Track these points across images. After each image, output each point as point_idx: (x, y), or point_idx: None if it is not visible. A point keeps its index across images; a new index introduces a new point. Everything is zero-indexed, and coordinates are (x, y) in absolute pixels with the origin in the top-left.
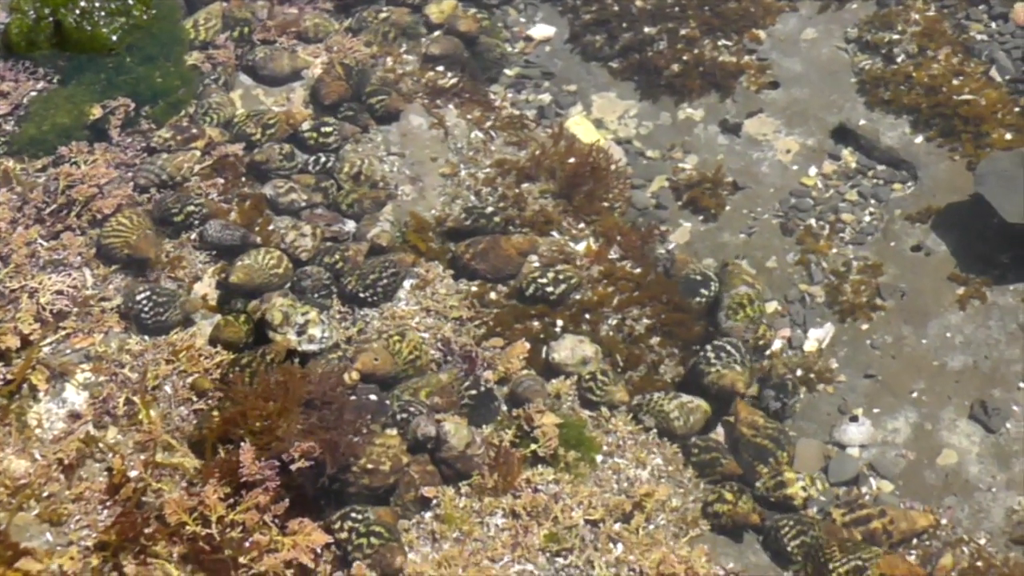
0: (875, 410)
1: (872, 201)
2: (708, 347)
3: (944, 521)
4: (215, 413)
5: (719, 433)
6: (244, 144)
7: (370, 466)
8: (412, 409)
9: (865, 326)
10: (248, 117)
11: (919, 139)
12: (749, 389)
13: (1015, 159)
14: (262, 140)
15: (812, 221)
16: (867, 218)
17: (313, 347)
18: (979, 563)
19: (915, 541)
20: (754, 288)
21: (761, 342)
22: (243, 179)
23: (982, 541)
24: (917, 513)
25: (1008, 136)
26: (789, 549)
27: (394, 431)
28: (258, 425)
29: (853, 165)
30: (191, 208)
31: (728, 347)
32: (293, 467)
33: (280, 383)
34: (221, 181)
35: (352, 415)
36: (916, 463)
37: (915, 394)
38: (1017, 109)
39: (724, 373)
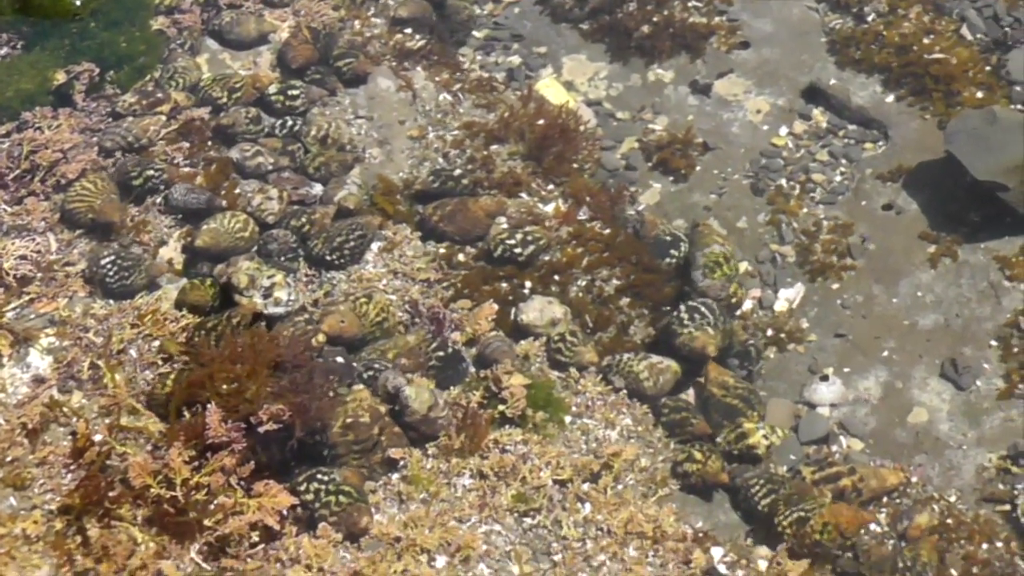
0: (845, 369)
1: (843, 161)
2: (682, 307)
3: (915, 479)
4: (179, 376)
5: (689, 393)
6: (210, 108)
7: (350, 420)
8: (377, 366)
9: (836, 285)
10: (214, 81)
11: (890, 98)
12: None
13: (985, 117)
14: (228, 104)
15: (783, 181)
16: (838, 178)
17: (279, 310)
18: (949, 520)
19: (885, 499)
20: (726, 247)
21: (734, 300)
22: (209, 143)
23: (952, 499)
24: (887, 470)
25: (979, 94)
26: (760, 508)
27: (361, 387)
28: (225, 388)
29: (824, 125)
30: (150, 172)
31: (702, 308)
32: (261, 430)
33: (248, 346)
34: (187, 145)
35: (321, 378)
36: (886, 421)
37: (886, 353)
38: (988, 67)
39: (696, 335)
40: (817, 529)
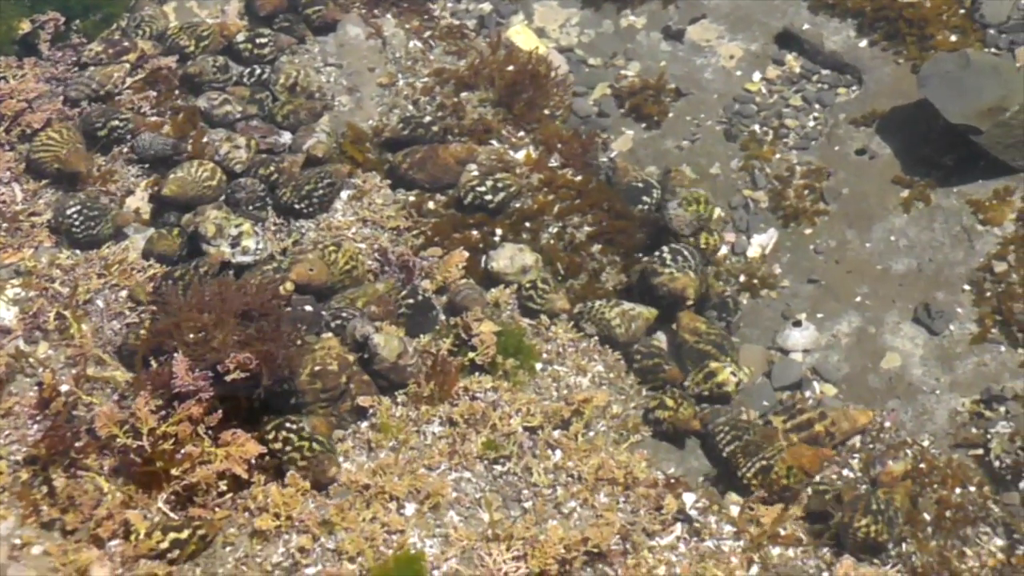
0: (819, 315)
1: (816, 106)
2: (665, 248)
3: (887, 424)
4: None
5: (662, 340)
6: (177, 57)
7: (318, 368)
8: (345, 314)
9: (809, 231)
10: (181, 29)
11: (863, 43)
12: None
13: (959, 60)
14: (196, 52)
15: (756, 127)
16: (811, 123)
17: (247, 259)
18: (922, 465)
19: (859, 443)
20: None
21: (704, 246)
22: (176, 92)
23: (925, 443)
24: (857, 411)
25: (953, 38)
26: (724, 455)
27: (328, 334)
28: (192, 337)
29: (797, 70)
30: (115, 123)
31: (684, 252)
32: (228, 378)
33: (215, 294)
34: (154, 94)
35: (289, 326)
36: (859, 366)
37: (859, 298)
38: (962, 11)
39: (677, 276)
40: (783, 474)
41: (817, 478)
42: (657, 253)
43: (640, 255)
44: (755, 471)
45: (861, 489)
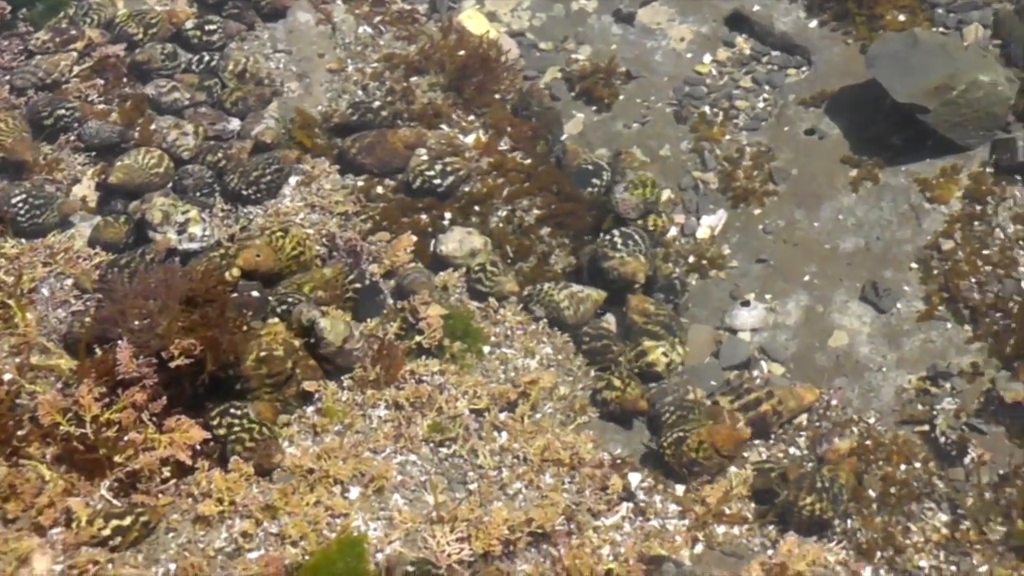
0: (767, 295)
1: (766, 87)
2: (615, 232)
3: (834, 402)
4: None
5: (611, 321)
6: (126, 45)
7: (263, 354)
8: (291, 300)
9: (758, 211)
10: (130, 17)
11: (813, 23)
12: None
13: (906, 40)
14: (144, 40)
15: (706, 108)
16: (761, 104)
17: (194, 245)
18: (868, 442)
19: (805, 421)
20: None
21: (652, 228)
22: (125, 80)
23: (871, 420)
24: (804, 389)
25: (901, 18)
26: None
27: (275, 319)
28: (137, 324)
29: (747, 52)
30: (62, 111)
31: (635, 235)
32: (172, 364)
33: (160, 281)
34: (101, 82)
35: (234, 312)
36: (807, 345)
37: (807, 277)
38: None
39: (628, 260)
40: (693, 447)
41: (763, 456)
42: (608, 237)
43: (589, 237)
44: (670, 442)
45: (807, 467)
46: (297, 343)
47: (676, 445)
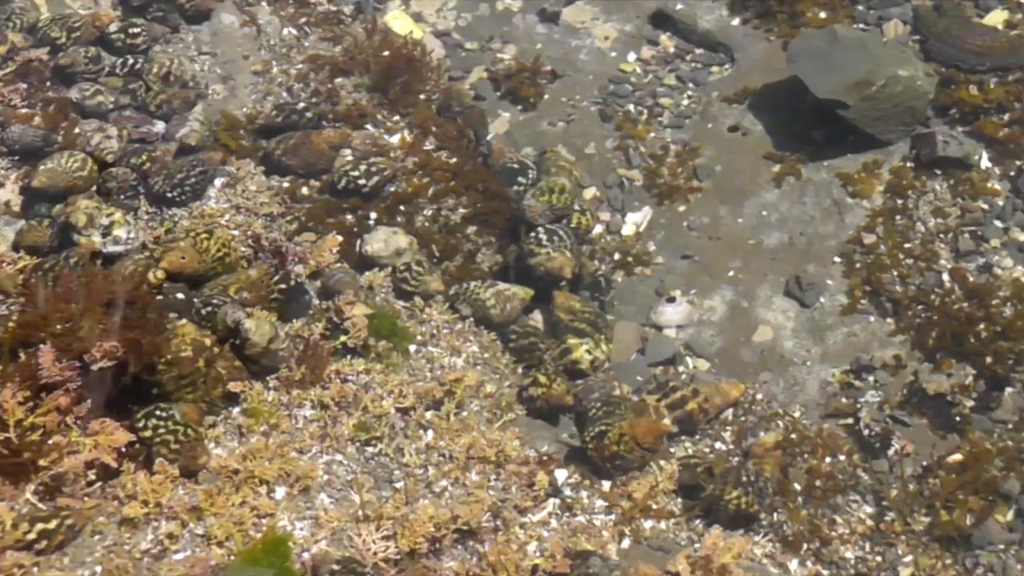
0: (692, 291)
1: (690, 85)
2: (540, 229)
3: (759, 396)
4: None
5: (538, 319)
6: (49, 49)
7: (170, 356)
8: (216, 301)
9: (683, 208)
10: (53, 21)
11: (736, 21)
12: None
13: (827, 36)
14: (67, 44)
15: (631, 107)
16: (685, 101)
17: (119, 248)
18: (793, 435)
19: (731, 416)
20: (572, 177)
21: (576, 226)
22: (48, 84)
23: (796, 414)
24: (729, 385)
25: (823, 15)
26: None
27: (183, 320)
28: (59, 327)
29: (671, 50)
30: None
31: (560, 232)
32: (95, 367)
33: (82, 284)
34: (24, 86)
35: (156, 314)
36: (732, 340)
37: (732, 273)
38: None
39: (554, 256)
40: (614, 440)
41: (689, 451)
42: (533, 234)
43: (513, 247)
44: (592, 436)
45: (733, 462)
46: (208, 342)
47: (598, 439)
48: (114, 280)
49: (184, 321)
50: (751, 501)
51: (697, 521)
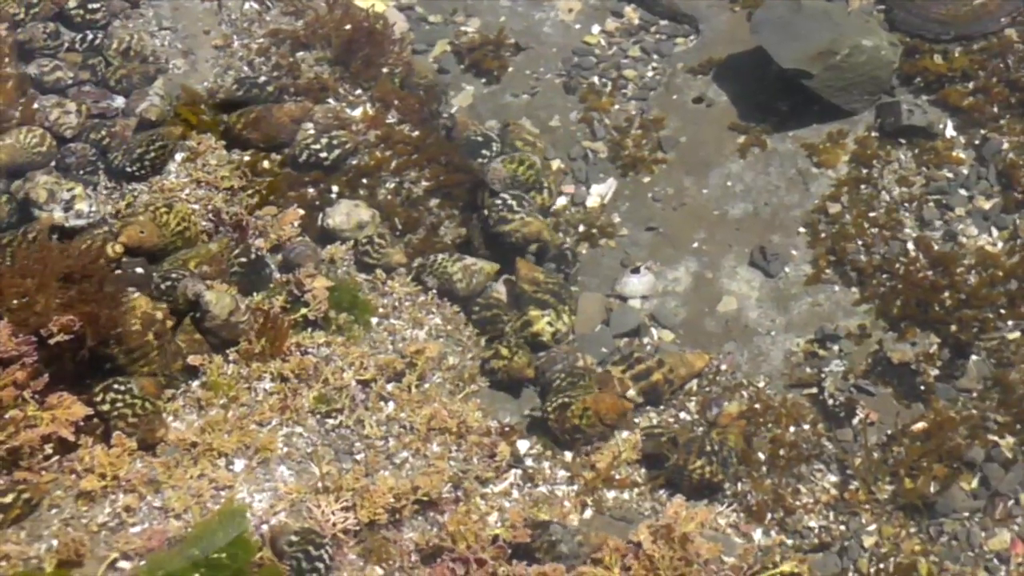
0: (657, 262)
1: (655, 56)
2: (506, 196)
3: (724, 367)
4: None
5: (501, 291)
6: (6, 25)
7: (120, 330)
8: (175, 275)
9: (647, 179)
10: None
11: None
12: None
13: (790, 6)
14: (25, 20)
15: (595, 79)
16: (650, 73)
17: (80, 222)
18: (757, 405)
19: (696, 387)
20: (540, 153)
21: (539, 199)
22: (6, 60)
23: (761, 384)
24: (694, 355)
25: None
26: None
27: (136, 292)
28: (15, 302)
29: (636, 21)
30: None
31: (526, 198)
32: (52, 341)
33: (37, 259)
34: None
35: (113, 287)
36: (696, 311)
37: (696, 244)
38: None
39: (529, 221)
40: (576, 414)
41: (654, 421)
42: (499, 201)
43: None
44: (555, 407)
45: (697, 432)
46: (159, 315)
47: (560, 410)
48: (70, 254)
49: (136, 294)
50: (716, 470)
51: (661, 491)
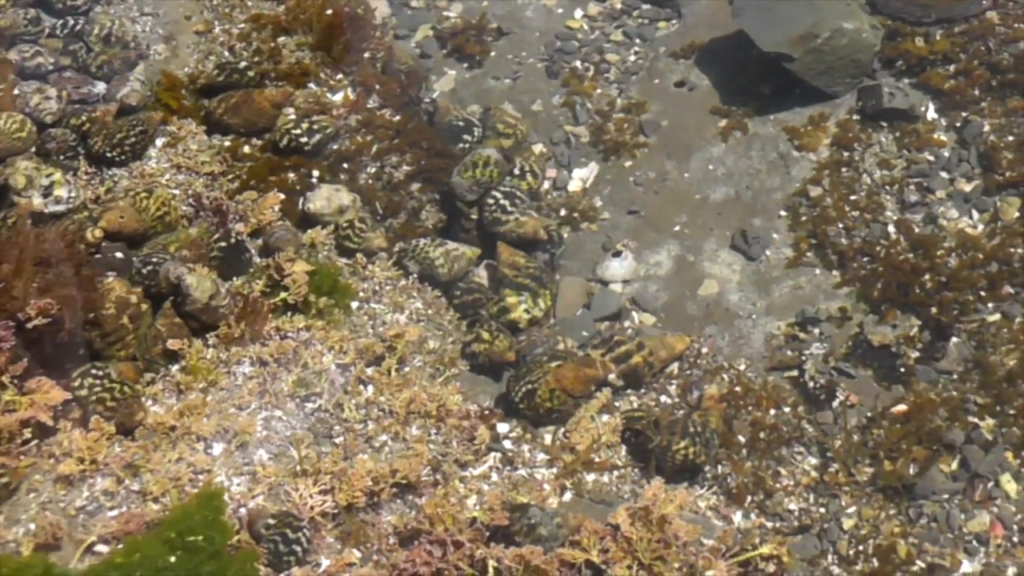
0: (638, 245)
1: (637, 40)
2: (497, 194)
3: (705, 350)
4: None
5: (482, 275)
6: None
7: (95, 313)
8: (155, 260)
9: (629, 163)
10: None
11: None
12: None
13: None
14: (6, 6)
15: (577, 63)
16: (632, 57)
17: (60, 208)
18: (738, 388)
19: (676, 370)
20: (516, 135)
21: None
22: None
23: (742, 367)
24: (674, 338)
25: None
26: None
27: (111, 276)
28: None
29: (618, 6)
30: None
31: (518, 193)
32: (29, 325)
33: (13, 244)
34: None
35: (90, 271)
36: (678, 295)
37: (677, 227)
38: None
39: (524, 220)
40: (545, 398)
41: (635, 405)
42: (491, 200)
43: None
44: (521, 395)
45: (678, 415)
46: (134, 298)
47: (527, 398)
48: (46, 239)
49: (112, 279)
50: (699, 451)
51: (639, 473)
